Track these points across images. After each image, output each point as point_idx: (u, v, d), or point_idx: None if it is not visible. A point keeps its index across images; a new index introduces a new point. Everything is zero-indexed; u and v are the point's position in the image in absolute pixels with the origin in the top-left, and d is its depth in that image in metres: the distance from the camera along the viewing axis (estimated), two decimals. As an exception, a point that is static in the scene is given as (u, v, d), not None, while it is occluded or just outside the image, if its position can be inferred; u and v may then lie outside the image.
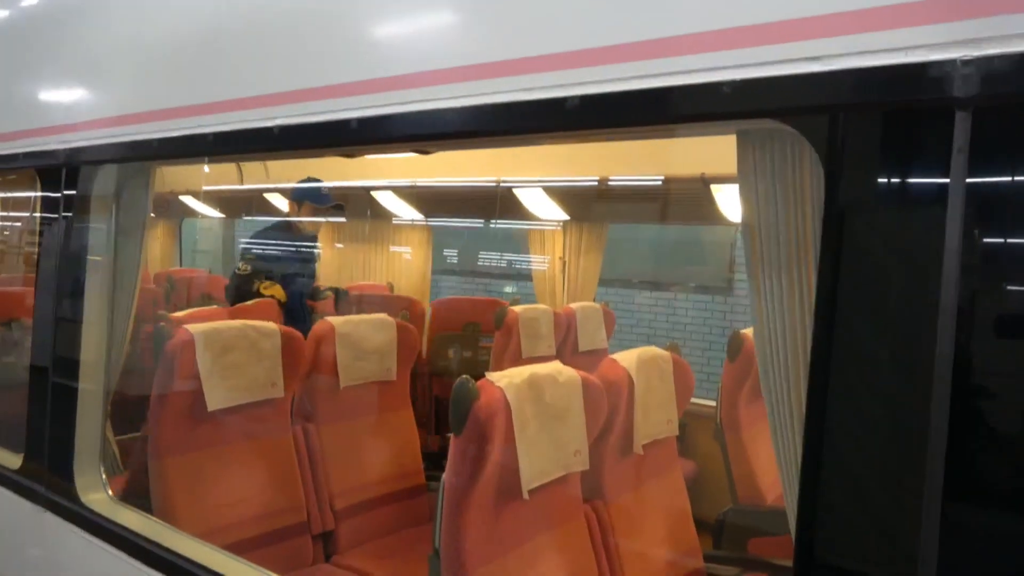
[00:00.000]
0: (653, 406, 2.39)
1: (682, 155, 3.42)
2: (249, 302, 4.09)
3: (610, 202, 4.50)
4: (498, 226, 5.72)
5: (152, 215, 2.65)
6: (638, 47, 1.22)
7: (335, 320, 3.08)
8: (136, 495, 2.47)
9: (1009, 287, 0.92)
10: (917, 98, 0.96)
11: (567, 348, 4.22)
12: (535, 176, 4.12)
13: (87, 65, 2.57)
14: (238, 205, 6.23)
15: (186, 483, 2.51)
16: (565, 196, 4.41)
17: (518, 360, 3.88)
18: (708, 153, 3.16)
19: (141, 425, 2.73)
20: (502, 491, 1.93)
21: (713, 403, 3.40)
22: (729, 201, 3.49)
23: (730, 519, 3.10)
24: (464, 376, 1.89)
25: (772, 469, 3.16)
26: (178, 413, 2.53)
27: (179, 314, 3.58)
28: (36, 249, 2.68)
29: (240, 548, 2.33)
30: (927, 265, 0.94)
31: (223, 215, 6.86)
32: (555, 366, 2.10)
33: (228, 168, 4.73)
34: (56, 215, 2.53)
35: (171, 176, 5.20)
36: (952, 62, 0.91)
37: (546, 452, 2.00)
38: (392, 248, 5.98)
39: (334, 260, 6.14)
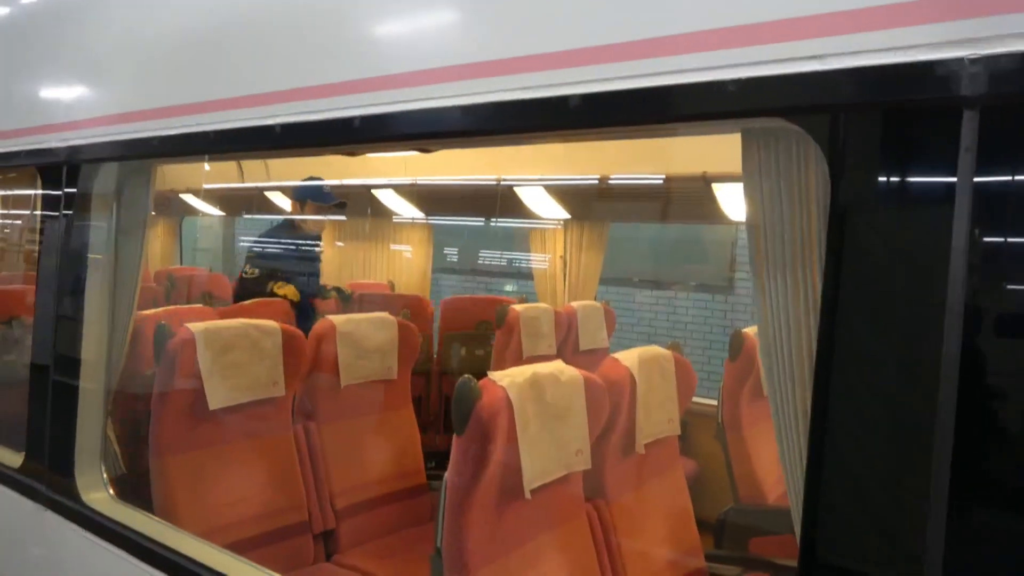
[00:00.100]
0: (655, 405, 2.39)
1: (683, 154, 3.41)
2: (261, 300, 4.07)
3: (611, 201, 4.48)
4: (499, 225, 5.71)
5: (153, 213, 2.64)
6: (641, 45, 1.21)
7: (336, 318, 3.07)
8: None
9: (1017, 287, 0.91)
10: (924, 97, 0.95)
11: (568, 347, 4.21)
12: (536, 175, 4.11)
13: (88, 63, 2.57)
14: (239, 203, 6.23)
15: (187, 482, 2.51)
16: (566, 195, 4.39)
17: (519, 359, 3.87)
18: (710, 152, 3.15)
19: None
20: (504, 490, 1.93)
21: (714, 402, 3.40)
22: (730, 200, 3.48)
23: (731, 518, 3.10)
24: (466, 375, 1.88)
25: (773, 468, 3.18)
26: (179, 412, 2.53)
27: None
28: (37, 247, 2.68)
29: (241, 547, 2.32)
30: (934, 264, 0.94)
31: (224, 213, 6.86)
32: (557, 365, 2.10)
33: (228, 166, 4.72)
34: (57, 213, 2.52)
35: (172, 174, 5.19)
36: (960, 61, 0.91)
37: (548, 451, 2.00)
38: (393, 246, 5.97)
39: (335, 258, 6.13)
